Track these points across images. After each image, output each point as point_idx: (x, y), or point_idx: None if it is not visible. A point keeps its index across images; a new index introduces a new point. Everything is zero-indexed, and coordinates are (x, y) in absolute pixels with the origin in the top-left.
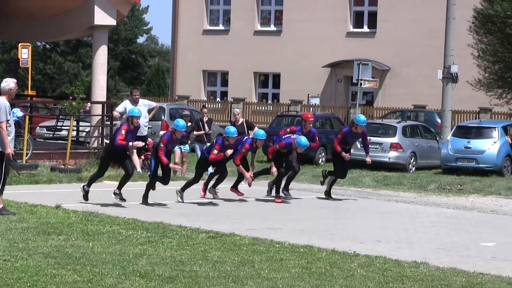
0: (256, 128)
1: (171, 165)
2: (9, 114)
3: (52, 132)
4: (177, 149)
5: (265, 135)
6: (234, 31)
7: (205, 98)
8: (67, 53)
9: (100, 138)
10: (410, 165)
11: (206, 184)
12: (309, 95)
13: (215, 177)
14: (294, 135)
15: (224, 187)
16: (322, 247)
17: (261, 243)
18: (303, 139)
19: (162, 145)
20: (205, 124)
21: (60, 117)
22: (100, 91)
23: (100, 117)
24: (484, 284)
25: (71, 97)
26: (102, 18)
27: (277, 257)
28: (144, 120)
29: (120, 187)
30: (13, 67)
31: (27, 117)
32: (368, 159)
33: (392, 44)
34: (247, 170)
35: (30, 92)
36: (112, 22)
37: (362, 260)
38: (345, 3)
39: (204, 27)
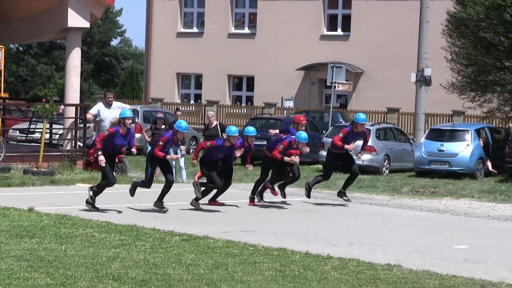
0: None
1: (168, 156)
2: None
3: (25, 135)
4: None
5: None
6: (208, 33)
7: (179, 101)
8: (41, 55)
9: (73, 140)
10: (384, 168)
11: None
12: (283, 98)
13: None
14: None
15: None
16: (296, 250)
17: (235, 246)
18: (303, 134)
19: (161, 143)
20: None
21: (33, 119)
22: (73, 94)
23: (73, 119)
24: (457, 287)
25: (44, 100)
26: (75, 20)
27: (250, 260)
28: None
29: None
30: None
31: None
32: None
33: (366, 47)
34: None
35: (2, 94)
36: (86, 24)
37: (336, 262)
38: (319, 6)
39: (178, 29)
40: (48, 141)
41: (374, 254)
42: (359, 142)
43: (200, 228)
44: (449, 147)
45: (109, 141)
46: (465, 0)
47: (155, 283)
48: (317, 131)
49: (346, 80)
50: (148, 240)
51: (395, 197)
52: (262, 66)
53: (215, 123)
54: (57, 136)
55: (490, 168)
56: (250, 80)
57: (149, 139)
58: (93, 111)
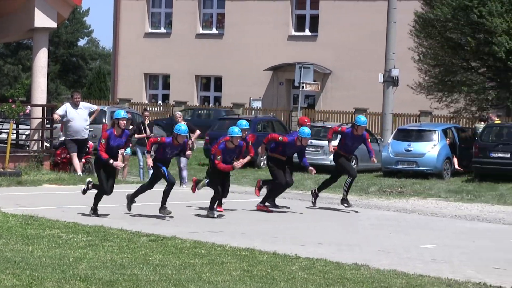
0: (197, 131)
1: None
2: None
3: None
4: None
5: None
6: (175, 34)
7: (147, 101)
8: (7, 56)
9: (40, 141)
10: None
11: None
12: (251, 98)
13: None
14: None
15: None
16: (264, 250)
17: (203, 246)
18: (306, 129)
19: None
20: (147, 127)
21: (0, 120)
22: (40, 94)
23: (40, 120)
24: (424, 286)
25: (10, 100)
26: (42, 20)
27: (218, 260)
28: (84, 123)
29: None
30: None
31: None
32: (373, 159)
33: (333, 47)
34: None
35: None
36: (53, 24)
37: (303, 262)
38: (287, 7)
39: (145, 30)
40: (14, 142)
41: (341, 254)
42: (322, 142)
43: (168, 228)
44: (416, 147)
45: (106, 145)
46: (432, 1)
47: (122, 284)
48: (284, 131)
49: (314, 81)
50: (116, 240)
51: (362, 197)
52: (230, 66)
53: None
54: (24, 136)
55: (457, 166)
56: (218, 80)
57: None
58: (60, 111)
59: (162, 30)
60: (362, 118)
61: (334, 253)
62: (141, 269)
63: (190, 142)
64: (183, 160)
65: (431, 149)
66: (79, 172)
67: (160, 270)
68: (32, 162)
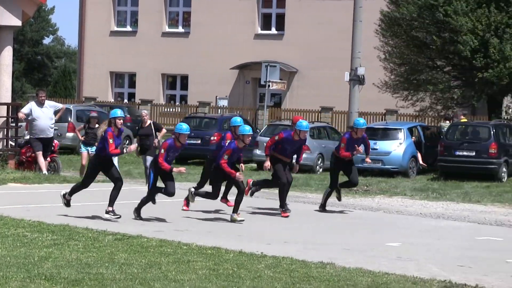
0: (164, 130)
1: (175, 169)
2: None
3: None
4: (84, 151)
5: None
6: (141, 32)
7: (113, 100)
8: None
9: (5, 140)
10: (318, 167)
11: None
12: (217, 97)
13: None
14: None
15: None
16: (230, 248)
17: (168, 245)
18: (304, 122)
19: (162, 151)
20: None
21: None
22: (5, 93)
23: (5, 118)
24: (389, 284)
25: None
26: (6, 18)
27: (184, 259)
28: (50, 122)
29: (111, 203)
30: None
31: None
32: (368, 159)
33: (300, 46)
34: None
35: None
36: (17, 22)
37: (269, 261)
38: (253, 5)
39: (111, 28)
40: None
41: (307, 252)
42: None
43: (133, 227)
44: (382, 145)
45: (103, 145)
46: (398, 0)
47: (88, 283)
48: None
49: (280, 79)
50: (81, 239)
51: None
52: (196, 65)
53: (148, 122)
54: None
55: (420, 161)
56: (184, 79)
57: (82, 138)
58: (25, 110)
59: (128, 28)
60: (361, 120)
61: (300, 251)
62: (107, 268)
63: (156, 140)
64: (149, 159)
65: (396, 147)
66: (44, 171)
67: (126, 269)
68: None
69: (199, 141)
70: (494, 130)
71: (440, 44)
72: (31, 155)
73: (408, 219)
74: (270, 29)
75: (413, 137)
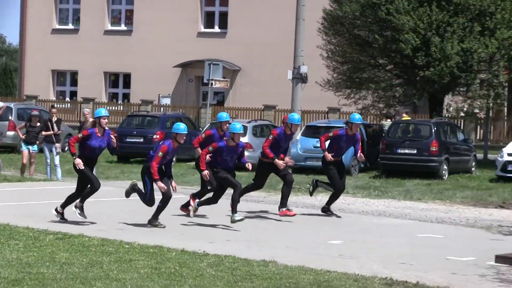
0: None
1: (159, 184)
2: None
3: None
4: (24, 149)
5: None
6: (84, 30)
7: (54, 98)
8: None
9: None
10: None
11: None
12: (160, 95)
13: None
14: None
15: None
16: (172, 247)
17: (110, 244)
18: (296, 115)
19: (160, 154)
20: (54, 125)
21: None
22: None
23: None
24: (331, 281)
25: None
26: None
27: (126, 257)
28: None
29: (82, 200)
30: None
31: None
32: (360, 157)
33: (243, 44)
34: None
35: None
36: None
37: (212, 259)
38: (196, 3)
39: (53, 26)
40: None
41: (250, 250)
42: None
43: (75, 226)
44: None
45: (84, 144)
46: None
47: (28, 283)
48: (193, 128)
49: (223, 77)
50: (22, 239)
51: (271, 193)
52: (139, 63)
53: (90, 120)
54: None
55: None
56: (127, 77)
57: (23, 137)
58: None
59: (70, 26)
60: (356, 115)
61: (242, 249)
62: (48, 268)
63: None
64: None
65: None
66: None
67: (67, 268)
68: None
69: (141, 140)
70: (435, 128)
71: (382, 42)
72: None
73: (350, 217)
74: (213, 27)
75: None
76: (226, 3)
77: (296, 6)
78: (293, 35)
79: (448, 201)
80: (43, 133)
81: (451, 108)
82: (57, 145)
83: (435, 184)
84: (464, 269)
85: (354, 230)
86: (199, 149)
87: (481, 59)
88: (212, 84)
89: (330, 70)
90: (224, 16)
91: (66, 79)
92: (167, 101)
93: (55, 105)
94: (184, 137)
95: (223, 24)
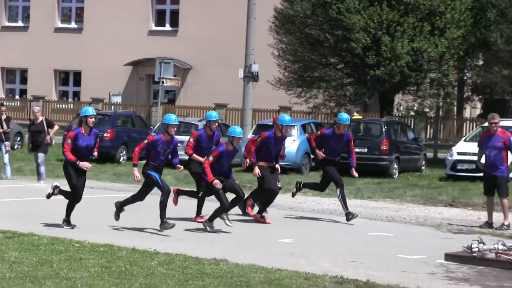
0: (56, 127)
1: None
2: None
3: None
4: None
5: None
6: (33, 27)
7: (3, 96)
8: None
9: None
10: None
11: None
12: (111, 93)
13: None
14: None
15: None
16: (123, 245)
17: (60, 242)
18: (286, 117)
19: (145, 142)
20: (3, 123)
21: None
22: None
23: None
24: (282, 280)
25: None
26: None
27: (76, 256)
28: None
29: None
30: None
31: None
32: (355, 173)
33: (194, 43)
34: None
35: None
36: None
37: (163, 258)
38: (147, 1)
39: (2, 23)
40: None
41: (201, 249)
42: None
43: (24, 225)
44: None
45: (72, 145)
46: None
47: None
48: (144, 127)
49: (174, 76)
50: None
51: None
52: (89, 61)
53: (40, 118)
54: None
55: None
56: (77, 75)
57: None
58: None
59: (20, 23)
60: (344, 115)
61: (193, 248)
62: None
63: (48, 137)
64: (40, 155)
65: (290, 144)
66: None
67: (16, 267)
68: None
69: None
70: (385, 127)
71: (333, 41)
72: None
73: (302, 215)
74: (164, 26)
75: (306, 134)
76: (177, 1)
77: (247, 4)
78: (244, 33)
79: (398, 200)
80: None
81: (402, 107)
82: (7, 143)
83: (386, 183)
84: (414, 267)
85: (304, 229)
86: (195, 155)
87: (431, 59)
88: (163, 82)
89: (281, 69)
90: (175, 14)
91: (15, 77)
92: (118, 99)
93: (4, 103)
94: (175, 128)
95: (174, 22)
